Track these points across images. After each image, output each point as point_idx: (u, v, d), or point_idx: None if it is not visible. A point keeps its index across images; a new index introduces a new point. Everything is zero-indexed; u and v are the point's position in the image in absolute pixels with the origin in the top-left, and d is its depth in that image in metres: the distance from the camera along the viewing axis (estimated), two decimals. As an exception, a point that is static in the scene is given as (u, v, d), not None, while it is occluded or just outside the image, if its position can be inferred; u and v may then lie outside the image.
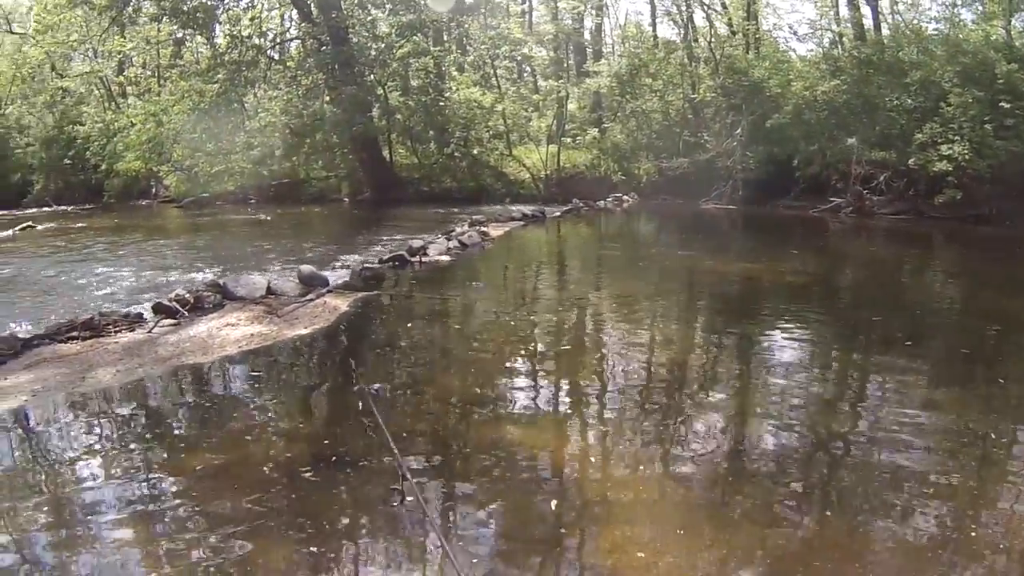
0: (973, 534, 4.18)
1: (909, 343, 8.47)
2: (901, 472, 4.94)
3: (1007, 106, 20.33)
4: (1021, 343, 8.58)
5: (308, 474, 4.88)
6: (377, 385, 6.59)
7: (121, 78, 36.73)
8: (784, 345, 8.27)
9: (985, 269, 14.29)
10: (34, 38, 33.18)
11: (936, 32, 26.74)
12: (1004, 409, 6.25)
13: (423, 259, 13.22)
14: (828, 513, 4.49)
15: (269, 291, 10.18)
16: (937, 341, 8.92)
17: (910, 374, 7.31)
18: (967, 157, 20.43)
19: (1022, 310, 10.35)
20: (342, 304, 9.74)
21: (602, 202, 24.95)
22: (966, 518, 4.38)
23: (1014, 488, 4.82)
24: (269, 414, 6.11)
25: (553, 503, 4.63)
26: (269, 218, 23.24)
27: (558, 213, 22.58)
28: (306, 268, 11.20)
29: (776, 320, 9.59)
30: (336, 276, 11.54)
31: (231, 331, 8.30)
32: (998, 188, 20.77)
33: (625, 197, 26.09)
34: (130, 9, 27.63)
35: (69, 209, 29.37)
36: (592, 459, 5.32)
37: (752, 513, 4.42)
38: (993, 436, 5.57)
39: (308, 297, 10.03)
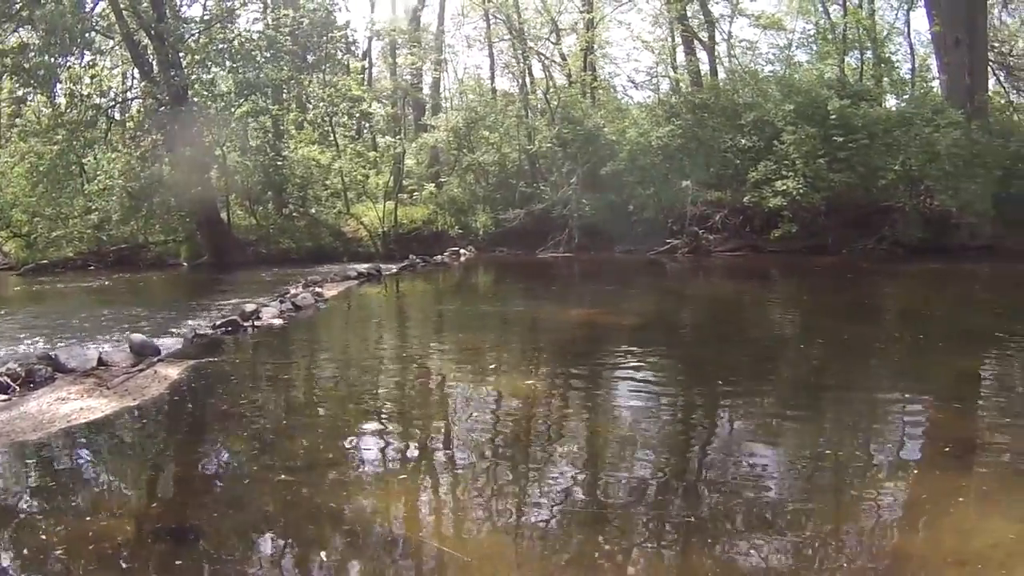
0: (829, 556, 4.56)
1: (746, 374, 9.39)
2: (757, 501, 5.34)
3: (840, 139, 22.12)
4: (858, 365, 9.75)
5: (140, 551, 4.92)
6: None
7: (-40, 138, 35.64)
8: (627, 387, 8.85)
9: (820, 297, 15.46)
10: None
11: (771, 74, 28.73)
12: (845, 428, 7.24)
13: (256, 323, 13.54)
14: (688, 549, 4.71)
15: (100, 362, 10.36)
16: (775, 371, 9.95)
17: (752, 404, 8.11)
18: (801, 191, 22.17)
19: (854, 334, 11.49)
20: (173, 373, 10.00)
21: (439, 257, 25.84)
22: (821, 540, 4.75)
23: (865, 505, 5.30)
24: (94, 490, 6.27)
25: (406, 567, 4.80)
26: (107, 285, 23.03)
27: (395, 269, 23.35)
28: (137, 337, 11.43)
29: (617, 363, 10.33)
30: (169, 344, 11.85)
31: (61, 406, 8.53)
32: (833, 219, 22.65)
33: (463, 251, 27.08)
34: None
35: (-98, 277, 28.26)
36: (443, 518, 5.49)
37: (611, 559, 4.61)
38: (839, 454, 6.38)
39: (139, 367, 10.24)
